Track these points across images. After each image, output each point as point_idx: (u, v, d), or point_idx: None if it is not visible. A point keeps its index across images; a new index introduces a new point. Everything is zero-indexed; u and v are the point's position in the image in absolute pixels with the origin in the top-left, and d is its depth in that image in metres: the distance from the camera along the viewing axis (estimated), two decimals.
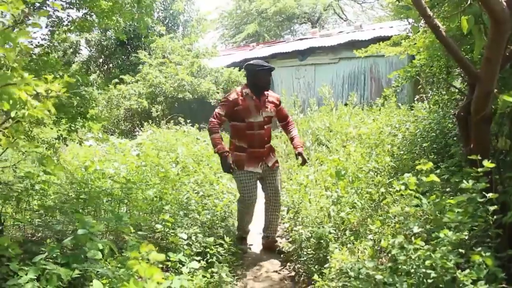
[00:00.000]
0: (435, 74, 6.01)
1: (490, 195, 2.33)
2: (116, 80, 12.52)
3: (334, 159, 5.32)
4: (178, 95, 12.52)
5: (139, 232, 3.94)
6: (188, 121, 10.82)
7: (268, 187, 4.90)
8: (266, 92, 4.72)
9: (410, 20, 7.63)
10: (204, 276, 3.55)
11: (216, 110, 4.50)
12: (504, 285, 2.03)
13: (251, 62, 4.72)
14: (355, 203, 4.92)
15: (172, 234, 4.05)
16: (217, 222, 5.09)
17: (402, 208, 2.65)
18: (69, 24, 5.40)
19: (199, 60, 13.25)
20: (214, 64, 14.09)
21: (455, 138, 7.03)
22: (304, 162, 4.87)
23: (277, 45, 17.78)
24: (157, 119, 12.15)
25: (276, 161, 4.94)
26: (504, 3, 2.64)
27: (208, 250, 4.10)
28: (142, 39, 14.14)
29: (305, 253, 4.35)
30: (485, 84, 2.82)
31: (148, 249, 1.81)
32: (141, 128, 11.02)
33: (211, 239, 4.10)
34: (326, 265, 3.69)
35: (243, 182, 4.70)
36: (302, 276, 4.24)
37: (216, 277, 3.62)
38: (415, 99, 9.98)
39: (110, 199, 4.83)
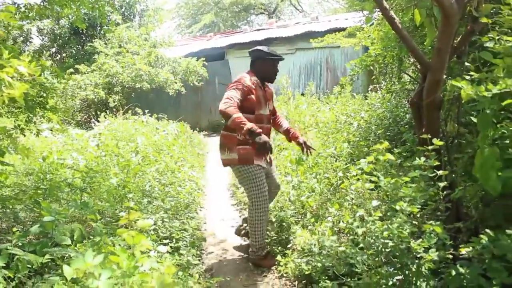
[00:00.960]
0: (389, 64, 6.29)
1: (440, 172, 2.55)
2: (71, 70, 12.26)
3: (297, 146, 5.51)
4: (135, 85, 12.40)
5: (103, 220, 3.98)
6: (147, 111, 10.76)
7: (270, 183, 4.43)
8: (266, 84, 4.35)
9: (365, 12, 7.88)
10: (172, 259, 3.65)
11: (230, 93, 3.83)
12: (451, 251, 2.25)
13: (260, 47, 4.22)
14: (315, 187, 5.13)
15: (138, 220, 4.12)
16: (180, 209, 5.17)
17: (362, 185, 2.83)
18: (26, 10, 5.28)
19: (157, 50, 13.14)
20: (172, 54, 14.03)
21: (406, 126, 7.38)
22: (309, 148, 4.45)
23: (235, 36, 17.85)
24: (115, 110, 12.01)
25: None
26: None
27: (174, 235, 4.19)
28: (102, 28, 13.87)
29: (269, 236, 4.51)
30: (435, 72, 3.04)
31: (136, 216, 1.92)
32: (98, 119, 10.86)
33: (177, 224, 4.20)
34: (289, 246, 3.85)
35: (257, 175, 4.07)
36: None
37: (184, 259, 3.73)
38: (369, 88, 10.33)
39: (70, 189, 4.79)
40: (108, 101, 12.19)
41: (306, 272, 3.18)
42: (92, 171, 4.93)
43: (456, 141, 3.46)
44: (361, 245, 2.44)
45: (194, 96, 15.73)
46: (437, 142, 2.68)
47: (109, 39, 13.27)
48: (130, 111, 11.10)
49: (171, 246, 4.08)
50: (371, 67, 8.77)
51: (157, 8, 15.74)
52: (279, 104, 9.93)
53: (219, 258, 4.57)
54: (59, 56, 15.82)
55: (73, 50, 15.35)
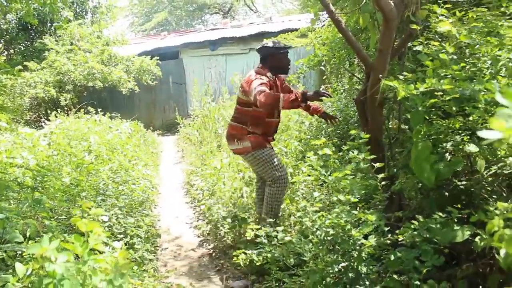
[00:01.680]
0: (338, 65, 6.52)
1: (377, 164, 2.74)
2: (19, 67, 11.90)
3: None
4: (88, 83, 12.20)
5: (56, 218, 3.97)
6: (99, 110, 10.62)
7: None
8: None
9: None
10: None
11: (260, 88, 3.79)
12: (389, 237, 2.44)
13: (268, 44, 4.21)
14: None
15: (91, 217, 4.13)
16: (135, 206, 5.20)
17: (314, 179, 2.98)
18: None
19: (110, 48, 12.97)
20: (125, 53, 13.87)
21: (355, 124, 7.67)
22: (332, 118, 4.45)
23: (189, 35, 17.83)
24: (66, 109, 11.77)
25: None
26: (392, 4, 3.06)
27: (128, 231, 4.23)
28: (52, 24, 13.52)
29: (221, 231, 4.62)
30: (377, 72, 3.24)
31: (89, 206, 2.00)
32: (48, 118, 10.62)
33: (131, 220, 4.24)
34: (242, 239, 3.98)
35: (273, 156, 4.13)
36: (220, 252, 4.52)
37: (139, 253, 3.78)
38: (321, 88, 10.61)
39: (21, 188, 4.72)
40: (59, 99, 11.94)
41: (258, 263, 3.31)
42: (44, 170, 4.88)
43: (398, 137, 3.69)
44: (308, 235, 2.59)
45: (148, 95, 15.61)
46: (364, 135, 2.86)
47: (60, 36, 12.98)
48: (82, 110, 10.91)
49: (125, 242, 4.13)
50: (323, 67, 9.06)
51: (110, 5, 15.51)
52: (232, 103, 10.04)
53: (173, 254, 4.65)
54: (6, 52, 15.31)
55: (22, 47, 14.91)
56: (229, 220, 4.61)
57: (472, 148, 2.83)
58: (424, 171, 2.68)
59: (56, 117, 9.92)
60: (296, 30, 8.99)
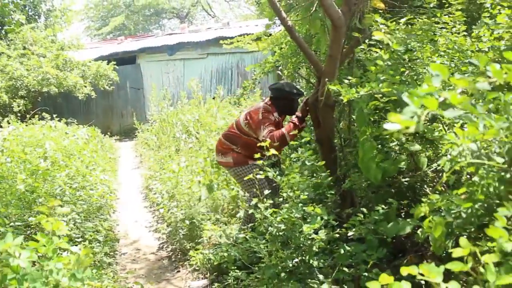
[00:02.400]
0: (293, 69, 6.68)
1: (320, 163, 2.92)
2: None
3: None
4: (42, 89, 11.95)
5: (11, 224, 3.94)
6: (55, 115, 10.42)
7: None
8: None
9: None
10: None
11: (267, 131, 3.91)
12: (338, 231, 2.60)
13: (284, 88, 4.20)
14: (226, 185, 5.40)
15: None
16: (93, 211, 5.18)
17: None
18: None
19: (65, 53, 12.74)
20: (81, 57, 13.65)
21: (311, 127, 7.89)
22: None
23: (146, 39, 17.72)
24: (19, 115, 11.49)
25: None
26: (340, 12, 3.23)
27: (87, 236, 4.24)
28: (3, 28, 13.12)
29: (180, 233, 4.69)
30: (328, 76, 3.40)
31: (56, 204, 2.05)
32: (0, 125, 10.34)
33: (90, 225, 4.25)
34: (199, 240, 4.06)
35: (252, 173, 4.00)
36: (178, 254, 4.58)
37: (98, 257, 3.80)
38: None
39: None
40: (12, 105, 11.64)
41: (215, 263, 3.41)
42: None
43: (349, 138, 3.87)
44: (262, 232, 2.71)
45: (105, 100, 15.44)
46: (306, 135, 3.01)
47: (11, 40, 12.65)
48: (37, 116, 10.68)
49: (84, 247, 4.13)
50: (280, 72, 9.23)
51: (64, 8, 15.19)
52: (190, 108, 10.10)
53: (132, 258, 4.68)
54: None
55: None
56: (187, 222, 4.69)
57: (415, 147, 3.04)
58: (370, 169, 2.85)
59: (9, 123, 9.69)
60: (253, 34, 9.12)
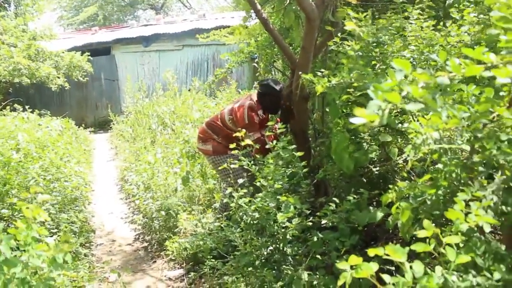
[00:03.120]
0: (268, 62, 6.72)
1: (298, 153, 2.98)
2: None
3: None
4: (14, 79, 11.70)
5: None
6: (27, 107, 10.24)
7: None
8: None
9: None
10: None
11: (253, 135, 3.94)
12: (311, 219, 2.67)
13: (272, 84, 4.18)
14: (202, 176, 5.43)
15: (21, 217, 4.09)
16: (67, 203, 5.15)
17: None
18: None
19: (37, 43, 12.46)
20: (54, 48, 13.38)
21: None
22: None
23: (121, 30, 17.49)
24: None
25: None
26: (314, 5, 3.29)
27: (62, 227, 4.22)
28: None
29: (156, 224, 4.71)
30: (301, 68, 3.46)
31: (37, 191, 2.07)
32: None
33: (64, 216, 4.24)
34: (176, 230, 4.10)
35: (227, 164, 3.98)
36: (155, 245, 4.60)
37: (73, 247, 3.80)
38: (254, 85, 10.84)
39: None
40: None
41: (191, 252, 3.45)
42: None
43: (322, 128, 3.95)
44: (237, 221, 2.77)
45: (79, 92, 15.23)
46: (281, 126, 3.09)
47: None
48: (8, 108, 10.47)
49: (59, 237, 4.12)
50: (256, 64, 9.27)
51: None
52: (166, 100, 10.07)
53: (108, 249, 4.69)
54: None
55: None
56: (163, 213, 4.71)
57: (386, 137, 3.13)
58: (343, 159, 2.93)
59: None
60: (229, 27, 9.14)
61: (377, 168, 3.16)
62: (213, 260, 3.51)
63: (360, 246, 2.99)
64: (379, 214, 2.82)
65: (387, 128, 3.26)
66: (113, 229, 5.21)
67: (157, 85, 11.07)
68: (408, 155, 3.11)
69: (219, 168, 4.30)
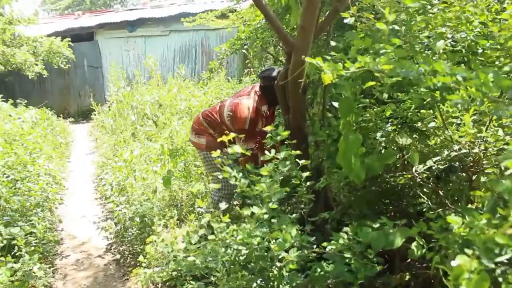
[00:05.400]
0: (261, 48, 6.07)
1: (302, 161, 2.34)
2: None
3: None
4: None
5: None
6: (2, 96, 9.51)
7: None
8: None
9: None
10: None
11: (246, 145, 3.43)
12: (315, 250, 2.06)
13: (275, 75, 3.55)
14: (185, 177, 4.84)
15: None
16: (31, 208, 4.51)
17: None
18: None
19: (13, 27, 11.66)
20: (33, 33, 12.57)
21: (279, 110, 7.35)
22: None
23: (105, 15, 16.67)
24: None
25: None
26: None
27: (16, 242, 3.59)
28: None
29: (129, 233, 4.09)
30: (299, 52, 2.83)
31: None
32: None
33: (17, 229, 3.59)
34: (149, 246, 3.47)
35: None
36: (128, 258, 3.99)
37: (19, 273, 3.17)
38: (244, 73, 10.21)
39: None
40: None
41: (159, 280, 2.86)
42: None
43: (323, 124, 3.34)
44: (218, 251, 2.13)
45: (61, 79, 14.46)
46: (283, 133, 2.41)
47: None
48: None
49: (13, 255, 3.49)
50: (245, 51, 8.62)
51: None
52: (150, 88, 9.39)
53: (76, 263, 4.07)
54: None
55: None
56: (137, 220, 4.10)
57: (405, 140, 2.53)
58: (353, 167, 2.32)
59: None
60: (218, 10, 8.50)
61: (394, 177, 2.56)
62: (193, 282, 2.91)
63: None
64: (399, 239, 2.23)
65: (406, 128, 2.66)
66: (84, 237, 4.57)
67: (136, 72, 10.40)
68: (437, 163, 2.51)
69: (210, 166, 3.77)
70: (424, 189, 2.55)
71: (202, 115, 3.88)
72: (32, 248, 3.69)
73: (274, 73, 3.60)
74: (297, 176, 2.24)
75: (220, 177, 3.65)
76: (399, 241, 2.20)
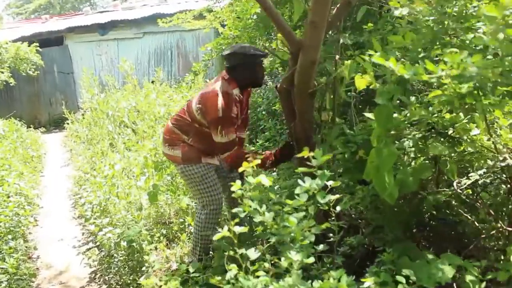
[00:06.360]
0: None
1: (331, 183, 1.94)
2: None
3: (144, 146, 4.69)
4: None
5: None
6: None
7: (225, 185, 3.48)
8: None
9: None
10: None
11: (224, 140, 3.04)
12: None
13: (245, 51, 3.18)
14: (173, 191, 4.43)
15: None
16: (1, 235, 4.02)
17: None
18: None
19: None
20: None
21: (264, 112, 6.97)
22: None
23: (75, 18, 16.00)
24: None
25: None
26: None
27: None
28: None
29: (115, 260, 3.65)
30: (309, 51, 2.47)
31: None
32: None
33: None
34: (141, 278, 3.05)
35: (206, 176, 3.27)
36: None
37: None
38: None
39: None
40: None
41: None
42: None
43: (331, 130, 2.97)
44: None
45: (30, 87, 13.79)
46: (305, 153, 1.96)
47: None
48: None
49: None
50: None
51: None
52: (126, 94, 8.87)
53: None
54: None
55: None
56: (124, 244, 3.65)
57: (439, 149, 2.16)
58: (386, 185, 1.95)
59: None
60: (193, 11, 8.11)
61: (432, 194, 2.20)
62: None
63: None
64: (449, 271, 1.88)
65: (436, 135, 2.30)
66: (63, 266, 4.08)
67: (107, 77, 9.89)
68: (483, 176, 2.17)
69: (190, 180, 3.28)
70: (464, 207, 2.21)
71: (171, 121, 3.40)
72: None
73: (236, 49, 3.21)
74: (324, 198, 1.82)
75: (207, 196, 3.30)
76: (449, 274, 1.86)
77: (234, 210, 1.78)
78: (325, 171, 1.81)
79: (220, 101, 3.03)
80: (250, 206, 1.68)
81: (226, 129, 3.02)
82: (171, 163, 3.85)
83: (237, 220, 1.72)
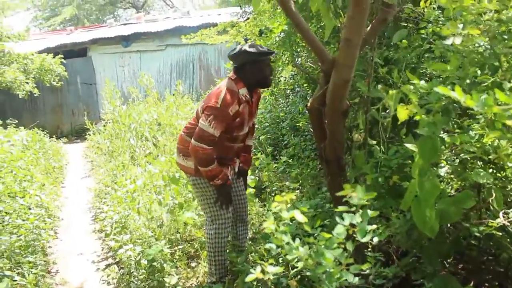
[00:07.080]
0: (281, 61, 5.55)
1: (371, 213, 1.81)
2: None
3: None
4: None
5: None
6: None
7: (235, 196, 3.49)
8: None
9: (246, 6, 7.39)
10: None
11: (206, 129, 2.93)
12: None
13: (245, 49, 3.09)
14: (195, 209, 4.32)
15: None
16: (22, 248, 3.97)
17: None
18: None
19: (2, 44, 11.11)
20: (24, 50, 12.04)
21: (288, 128, 6.87)
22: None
23: (98, 30, 16.19)
24: None
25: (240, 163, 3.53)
26: None
27: None
28: None
29: (136, 280, 3.55)
30: (343, 70, 2.36)
31: None
32: None
33: (3, 285, 3.06)
34: None
35: (211, 190, 3.20)
36: None
37: None
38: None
39: None
40: None
41: None
42: None
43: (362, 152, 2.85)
44: None
45: (54, 97, 13.95)
46: (346, 190, 1.81)
47: None
48: None
49: None
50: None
51: None
52: (148, 107, 8.86)
53: None
54: None
55: None
56: (144, 262, 3.56)
57: (483, 177, 2.02)
58: (428, 220, 1.82)
59: None
60: (216, 24, 8.15)
61: (476, 226, 2.06)
62: None
63: None
64: None
65: (478, 161, 2.17)
66: (81, 282, 4.02)
67: (131, 89, 9.91)
68: None
69: (201, 193, 3.24)
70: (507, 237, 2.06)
71: (183, 131, 3.32)
72: None
73: (242, 48, 3.11)
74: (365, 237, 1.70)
75: (217, 210, 3.22)
76: None
77: (267, 246, 1.66)
78: (368, 210, 1.66)
79: (223, 94, 2.99)
80: (283, 241, 1.56)
81: (217, 122, 2.94)
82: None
83: (271, 260, 1.61)
